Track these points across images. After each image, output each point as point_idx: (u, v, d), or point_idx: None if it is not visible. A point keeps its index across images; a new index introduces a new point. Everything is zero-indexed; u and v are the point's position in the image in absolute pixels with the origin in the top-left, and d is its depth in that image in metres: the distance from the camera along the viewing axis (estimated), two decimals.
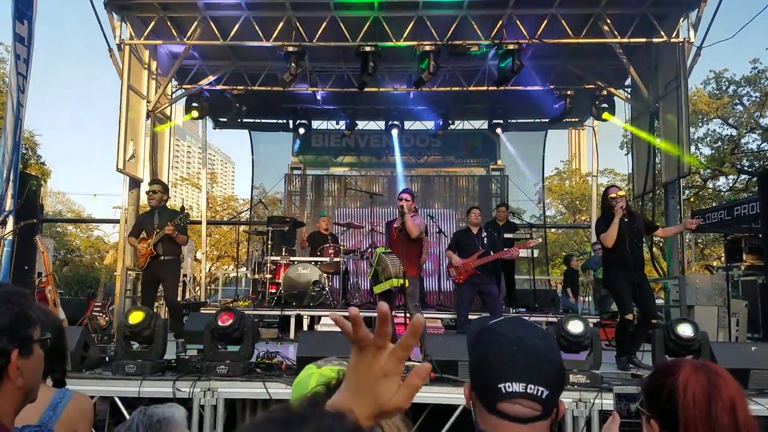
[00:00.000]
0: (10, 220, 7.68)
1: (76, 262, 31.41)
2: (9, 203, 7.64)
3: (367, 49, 9.65)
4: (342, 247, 10.09)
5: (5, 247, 7.54)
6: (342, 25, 9.70)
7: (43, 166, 24.54)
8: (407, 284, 6.58)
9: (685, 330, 4.95)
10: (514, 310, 9.42)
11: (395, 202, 7.25)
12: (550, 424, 1.32)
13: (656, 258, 11.09)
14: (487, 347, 1.35)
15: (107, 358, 5.28)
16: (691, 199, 22.93)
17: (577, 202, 34.40)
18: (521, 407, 1.27)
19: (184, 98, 12.13)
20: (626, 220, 6.25)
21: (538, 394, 1.26)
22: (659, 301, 12.63)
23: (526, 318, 8.62)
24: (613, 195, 6.30)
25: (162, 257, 7.10)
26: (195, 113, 11.91)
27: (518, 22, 9.56)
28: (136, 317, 4.98)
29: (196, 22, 9.97)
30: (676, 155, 9.45)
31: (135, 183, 10.24)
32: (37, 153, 24.58)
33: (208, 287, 17.09)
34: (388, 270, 6.57)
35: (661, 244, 17.77)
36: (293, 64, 9.65)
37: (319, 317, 8.79)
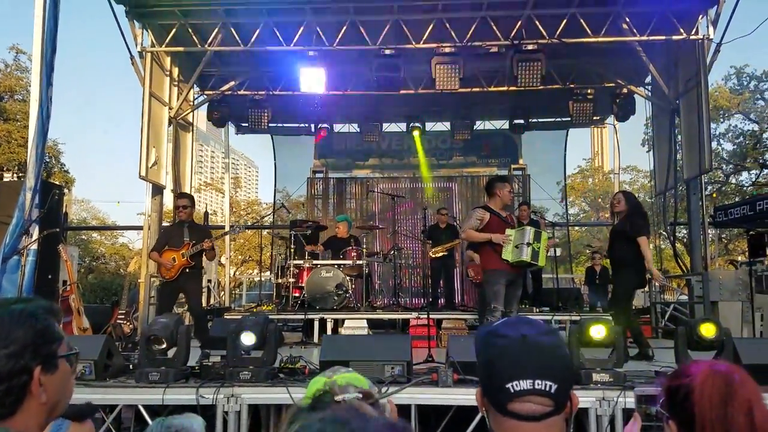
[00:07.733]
0: (35, 230, 7.77)
1: (101, 269, 31.78)
2: (33, 213, 7.71)
3: (387, 52, 9.71)
4: (365, 250, 10.02)
5: (29, 256, 7.60)
6: (362, 29, 9.75)
7: (66, 175, 24.89)
8: None
9: (708, 329, 4.95)
10: (537, 310, 9.34)
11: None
12: (566, 420, 1.32)
13: (679, 254, 10.95)
14: (492, 350, 1.36)
15: (131, 366, 5.28)
16: (714, 195, 22.64)
17: (600, 199, 34.17)
18: (532, 405, 1.27)
19: (206, 104, 12.28)
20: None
21: (547, 389, 1.27)
22: (683, 297, 12.48)
23: (549, 317, 8.61)
24: None
25: (189, 269, 6.98)
26: (217, 120, 12.08)
27: (537, 22, 9.54)
28: None
29: (216, 29, 10.04)
30: (697, 152, 9.36)
31: (158, 190, 10.37)
32: (60, 161, 24.94)
33: (233, 292, 17.21)
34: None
35: (684, 239, 17.60)
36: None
37: (343, 320, 8.80)
